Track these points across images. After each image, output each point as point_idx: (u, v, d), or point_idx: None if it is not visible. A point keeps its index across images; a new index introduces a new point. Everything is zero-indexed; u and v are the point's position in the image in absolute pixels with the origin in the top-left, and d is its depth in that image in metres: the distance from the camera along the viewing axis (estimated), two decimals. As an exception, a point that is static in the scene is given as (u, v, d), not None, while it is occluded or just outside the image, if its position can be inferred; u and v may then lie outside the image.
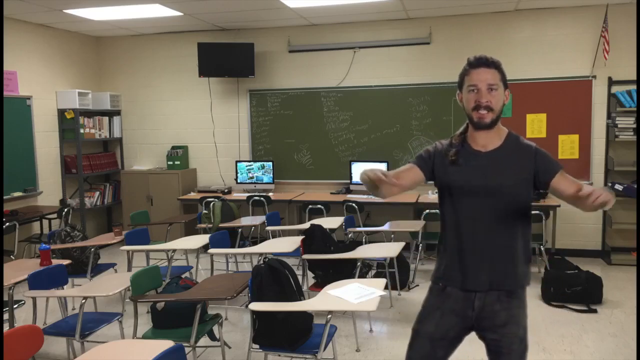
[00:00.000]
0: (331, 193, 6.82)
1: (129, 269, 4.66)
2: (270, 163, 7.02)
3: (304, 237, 4.33)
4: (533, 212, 5.24)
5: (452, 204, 2.12)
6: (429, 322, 2.16)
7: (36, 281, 3.47)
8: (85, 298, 3.33)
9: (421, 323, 2.19)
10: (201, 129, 7.41)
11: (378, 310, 3.12)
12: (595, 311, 4.57)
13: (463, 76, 2.09)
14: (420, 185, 2.21)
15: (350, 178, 6.76)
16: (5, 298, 3.58)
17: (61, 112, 6.86)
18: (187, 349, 2.41)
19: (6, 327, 3.58)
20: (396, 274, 5.00)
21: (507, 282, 2.07)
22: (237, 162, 7.12)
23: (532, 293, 4.96)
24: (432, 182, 2.20)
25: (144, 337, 3.28)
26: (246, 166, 7.08)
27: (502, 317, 2.07)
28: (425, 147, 2.23)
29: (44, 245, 3.98)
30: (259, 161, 7.08)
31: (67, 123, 6.86)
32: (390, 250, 4.46)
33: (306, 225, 4.58)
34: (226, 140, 7.36)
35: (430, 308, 2.18)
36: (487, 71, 2.03)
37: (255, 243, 5.15)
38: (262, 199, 6.46)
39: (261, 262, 3.32)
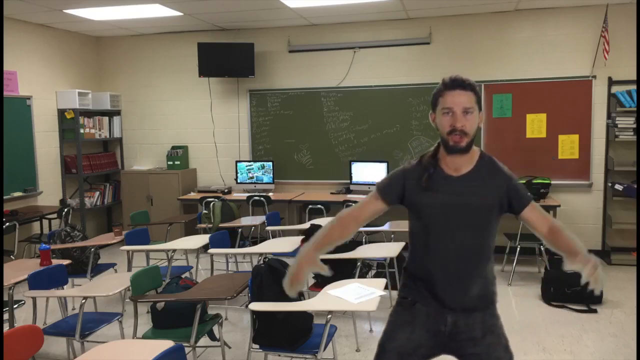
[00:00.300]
0: (331, 193, 6.82)
1: (129, 269, 4.66)
2: (270, 163, 7.02)
3: (304, 237, 4.33)
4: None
5: (423, 227, 2.08)
6: (399, 337, 2.09)
7: (36, 281, 3.48)
8: (85, 298, 3.33)
9: (390, 338, 2.12)
10: (201, 129, 7.41)
11: (378, 310, 3.12)
12: (595, 311, 4.57)
13: (437, 97, 2.02)
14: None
15: (350, 178, 6.76)
16: (5, 298, 3.58)
17: (61, 112, 6.86)
18: (187, 349, 2.41)
19: (6, 327, 3.58)
20: (396, 274, 4.99)
21: (479, 304, 2.05)
22: (237, 162, 7.12)
23: (532, 293, 4.97)
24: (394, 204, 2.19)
25: (144, 337, 3.28)
26: (246, 166, 7.08)
27: (479, 329, 2.03)
28: (391, 172, 2.20)
29: (44, 245, 3.98)
30: (259, 161, 7.08)
31: (67, 123, 6.87)
32: (390, 250, 4.46)
33: (306, 225, 4.59)
34: (226, 140, 7.36)
35: (399, 323, 2.12)
36: (462, 93, 1.96)
37: (255, 243, 5.15)
38: (262, 199, 6.45)
39: (261, 262, 3.32)
